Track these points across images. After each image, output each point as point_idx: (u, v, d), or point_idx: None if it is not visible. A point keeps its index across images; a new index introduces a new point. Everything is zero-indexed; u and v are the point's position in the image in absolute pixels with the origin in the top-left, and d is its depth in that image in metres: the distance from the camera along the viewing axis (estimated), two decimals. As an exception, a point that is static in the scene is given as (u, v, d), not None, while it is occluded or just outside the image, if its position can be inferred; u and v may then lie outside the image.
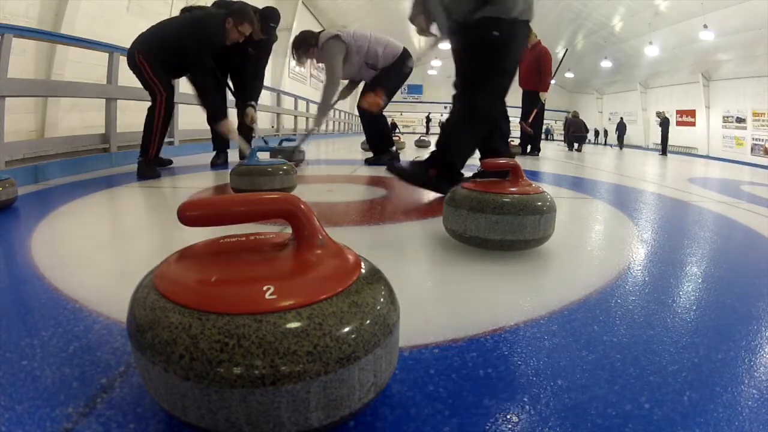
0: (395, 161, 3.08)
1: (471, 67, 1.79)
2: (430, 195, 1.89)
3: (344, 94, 3.44)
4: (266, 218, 0.49)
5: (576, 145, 9.20)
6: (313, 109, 10.05)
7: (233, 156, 3.28)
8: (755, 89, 13.07)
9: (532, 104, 5.46)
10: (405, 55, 3.19)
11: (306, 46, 3.06)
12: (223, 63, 2.91)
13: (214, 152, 3.20)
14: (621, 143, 14.63)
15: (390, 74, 3.18)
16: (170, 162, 2.96)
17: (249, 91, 3.13)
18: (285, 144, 3.18)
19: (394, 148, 3.47)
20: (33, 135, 3.33)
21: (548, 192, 1.12)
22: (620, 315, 0.78)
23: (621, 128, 14.88)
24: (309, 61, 3.19)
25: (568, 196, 2.27)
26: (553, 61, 5.62)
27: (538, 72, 5.33)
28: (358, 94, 3.34)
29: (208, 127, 2.99)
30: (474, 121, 1.80)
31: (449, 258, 1.10)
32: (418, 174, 1.85)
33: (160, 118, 2.52)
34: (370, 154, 3.57)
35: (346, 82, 3.46)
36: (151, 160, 2.50)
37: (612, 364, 0.61)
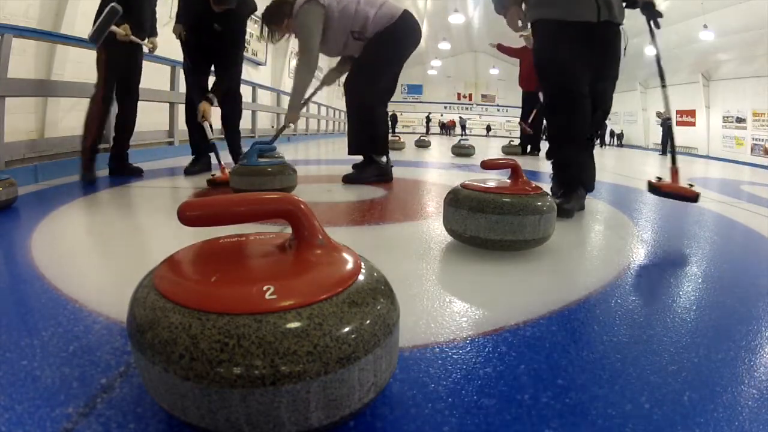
0: (386, 174, 2.37)
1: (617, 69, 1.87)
2: (429, 195, 1.89)
3: (333, 77, 2.64)
4: (266, 218, 0.49)
5: None
6: (314, 109, 10.04)
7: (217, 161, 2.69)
8: (755, 89, 13.05)
9: (532, 104, 5.47)
10: (406, 18, 2.30)
11: (280, 17, 2.25)
12: (195, 47, 2.51)
13: (193, 157, 2.71)
14: (602, 142, 16.79)
15: (383, 44, 2.26)
16: (140, 171, 2.51)
17: (218, 80, 2.55)
18: (259, 147, 2.47)
19: (384, 159, 2.44)
20: (33, 135, 3.33)
21: (548, 192, 1.12)
22: (620, 315, 0.78)
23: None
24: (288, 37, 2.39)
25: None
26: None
27: None
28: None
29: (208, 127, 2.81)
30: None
31: (449, 258, 1.10)
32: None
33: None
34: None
35: (335, 61, 2.60)
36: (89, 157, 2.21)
37: (612, 364, 0.61)
